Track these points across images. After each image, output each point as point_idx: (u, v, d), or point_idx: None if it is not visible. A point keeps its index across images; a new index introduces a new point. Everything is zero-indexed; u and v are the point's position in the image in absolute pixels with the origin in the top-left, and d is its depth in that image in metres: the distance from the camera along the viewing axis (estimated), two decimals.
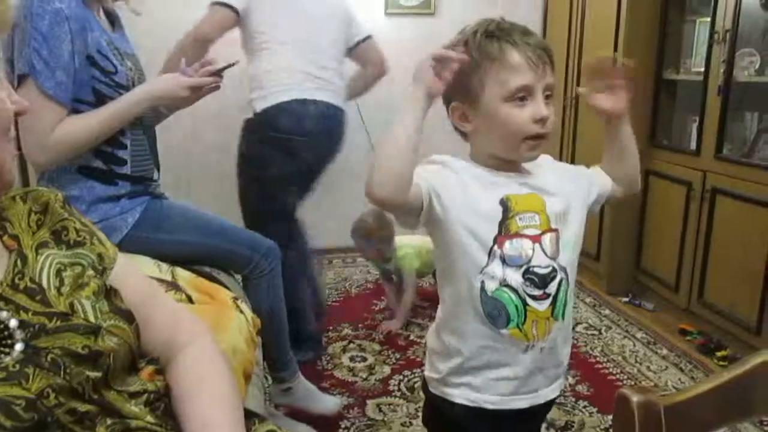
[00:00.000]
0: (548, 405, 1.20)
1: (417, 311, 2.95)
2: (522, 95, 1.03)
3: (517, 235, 1.06)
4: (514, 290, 1.06)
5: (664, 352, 2.58)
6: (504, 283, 1.06)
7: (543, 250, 1.07)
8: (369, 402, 2.18)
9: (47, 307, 0.77)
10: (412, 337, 2.69)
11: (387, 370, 2.42)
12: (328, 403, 2.03)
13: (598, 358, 2.52)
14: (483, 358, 1.11)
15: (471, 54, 1.04)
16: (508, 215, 1.06)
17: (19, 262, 0.79)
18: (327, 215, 3.82)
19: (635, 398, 0.53)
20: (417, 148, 1.03)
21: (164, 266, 1.53)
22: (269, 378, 1.97)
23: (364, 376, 2.36)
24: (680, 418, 0.53)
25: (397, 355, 2.53)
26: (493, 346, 1.09)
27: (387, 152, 1.03)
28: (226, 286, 1.64)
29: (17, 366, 0.72)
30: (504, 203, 1.06)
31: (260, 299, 1.78)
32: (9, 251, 0.80)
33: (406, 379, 2.34)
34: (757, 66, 2.55)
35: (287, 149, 2.23)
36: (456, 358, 1.13)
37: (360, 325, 2.82)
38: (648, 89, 3.00)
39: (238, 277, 1.83)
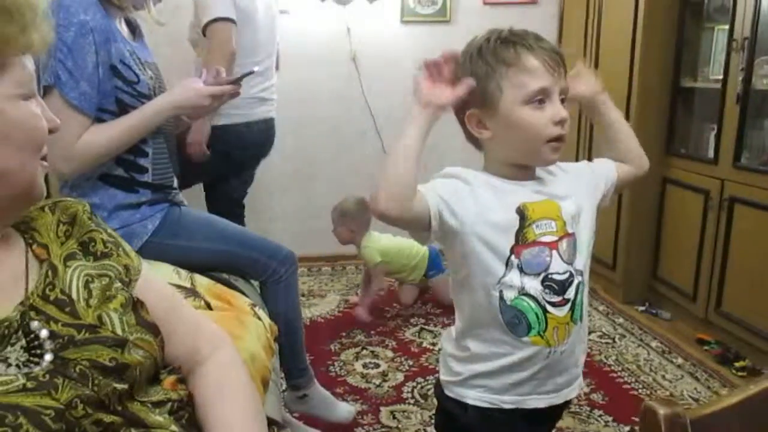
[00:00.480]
0: (565, 405, 1.20)
1: (429, 318, 2.95)
2: (540, 98, 1.04)
3: (535, 243, 1.07)
4: (534, 298, 1.07)
5: (680, 361, 2.56)
6: (523, 292, 1.07)
7: (560, 256, 1.08)
8: (383, 409, 2.18)
9: (76, 319, 0.78)
10: (425, 344, 2.69)
11: (400, 376, 2.41)
12: (343, 410, 2.03)
13: (612, 367, 2.50)
14: (504, 363, 1.11)
15: (486, 60, 1.05)
16: (525, 224, 1.07)
17: (50, 273, 0.80)
18: None
19: (662, 411, 0.53)
20: (418, 162, 1.05)
21: (183, 273, 1.54)
22: (284, 384, 1.98)
23: (378, 383, 2.36)
24: (707, 431, 0.53)
25: (410, 362, 2.53)
26: (514, 353, 1.10)
27: (390, 166, 1.05)
28: (243, 293, 1.65)
29: (47, 376, 0.73)
30: (521, 212, 1.07)
31: (277, 306, 1.79)
32: (39, 261, 0.81)
33: (419, 386, 2.34)
34: None
35: (228, 159, 2.56)
36: (477, 364, 1.13)
37: (372, 332, 2.82)
38: (665, 97, 2.99)
39: (256, 283, 1.84)
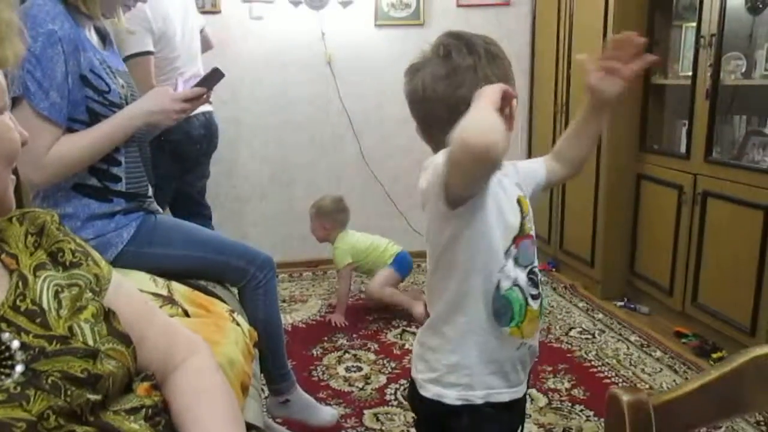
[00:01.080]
0: (524, 399, 1.23)
1: (411, 320, 2.96)
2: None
3: (528, 236, 1.12)
4: (521, 289, 1.11)
5: (659, 354, 2.59)
6: (515, 283, 1.11)
7: (536, 251, 1.15)
8: (366, 412, 2.19)
9: (47, 330, 0.77)
10: (407, 346, 2.70)
11: (383, 379, 2.42)
12: (326, 414, 2.03)
13: (593, 362, 2.53)
14: (479, 354, 1.12)
15: (473, 66, 1.10)
16: (523, 215, 1.12)
17: (20, 283, 0.79)
18: None
19: (626, 398, 0.54)
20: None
21: (160, 281, 1.54)
22: (266, 390, 1.97)
23: (360, 386, 2.36)
24: (670, 416, 0.55)
25: (393, 364, 2.54)
26: (492, 343, 1.11)
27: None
28: (222, 299, 1.65)
29: (18, 388, 0.72)
30: (519, 203, 1.12)
31: (256, 311, 1.79)
32: (9, 271, 0.81)
33: (402, 387, 2.34)
34: (743, 69, 2.58)
35: (178, 154, 2.61)
36: (454, 355, 1.13)
37: (355, 336, 2.82)
38: (637, 95, 3.03)
39: (234, 289, 1.83)
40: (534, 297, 1.13)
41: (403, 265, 3.14)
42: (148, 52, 2.48)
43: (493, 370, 1.13)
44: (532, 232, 1.14)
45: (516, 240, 1.10)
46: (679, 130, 2.93)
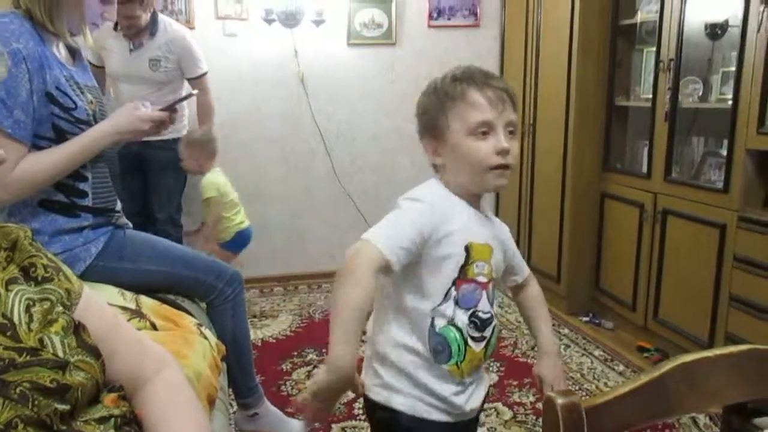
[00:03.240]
0: (477, 416, 1.28)
1: None
2: (484, 130, 1.13)
3: (473, 280, 1.16)
4: (459, 330, 1.15)
5: (621, 368, 2.66)
6: (451, 322, 1.15)
7: (487, 297, 1.19)
8: (334, 426, 2.20)
9: (17, 343, 0.79)
10: None
11: (351, 393, 2.43)
12: (295, 427, 2.04)
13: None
14: (420, 379, 1.16)
15: (438, 95, 1.17)
16: (469, 261, 1.15)
17: None
18: (291, 242, 3.86)
19: (559, 401, 0.59)
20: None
21: (128, 294, 1.55)
22: (234, 405, 1.98)
23: None
24: (601, 417, 0.59)
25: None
26: (431, 379, 1.16)
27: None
28: (190, 313, 1.66)
29: None
30: (468, 249, 1.15)
31: (224, 325, 1.81)
32: None
33: None
34: (700, 93, 2.68)
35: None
36: (398, 377, 1.17)
37: (324, 350, 2.81)
38: (601, 116, 3.13)
39: (203, 304, 1.85)
40: (476, 339, 1.16)
41: (240, 243, 3.21)
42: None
43: (431, 402, 1.17)
44: (481, 279, 1.16)
45: (457, 282, 1.14)
46: (640, 150, 3.02)
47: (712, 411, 2.13)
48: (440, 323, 1.14)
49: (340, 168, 3.84)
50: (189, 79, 3.15)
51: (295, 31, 3.58)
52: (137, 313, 1.50)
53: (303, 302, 3.51)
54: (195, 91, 1.82)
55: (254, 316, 3.25)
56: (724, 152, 2.45)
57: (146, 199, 3.23)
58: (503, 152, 1.12)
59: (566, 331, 3.08)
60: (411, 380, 1.16)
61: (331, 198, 3.86)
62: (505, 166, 1.14)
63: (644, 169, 2.88)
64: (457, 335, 1.15)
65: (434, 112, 1.16)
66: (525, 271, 1.36)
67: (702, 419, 2.20)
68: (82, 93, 1.57)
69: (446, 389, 1.17)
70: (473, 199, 1.21)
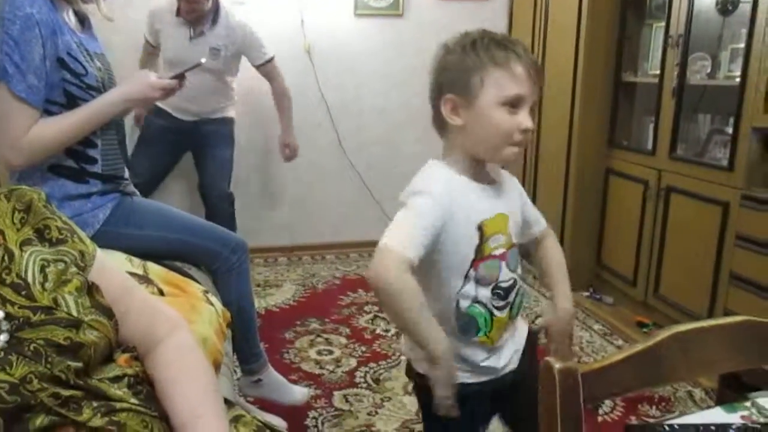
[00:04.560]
0: (511, 384, 1.27)
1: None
2: (514, 103, 1.10)
3: (490, 257, 1.16)
4: (484, 305, 1.17)
5: (620, 342, 2.69)
6: (476, 300, 1.17)
7: (507, 266, 1.19)
8: (336, 393, 2.25)
9: (32, 302, 0.81)
10: (378, 331, 2.76)
11: (353, 362, 2.48)
12: (297, 393, 2.09)
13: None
14: (455, 357, 1.17)
15: (478, 54, 1.11)
16: (483, 239, 1.15)
17: (6, 257, 0.83)
18: (296, 213, 3.88)
19: (557, 365, 0.61)
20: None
21: (136, 260, 1.57)
22: (239, 371, 2.02)
23: (331, 369, 2.43)
24: (597, 382, 0.61)
25: (363, 348, 2.60)
26: (462, 349, 1.19)
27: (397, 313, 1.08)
28: (196, 280, 1.69)
29: (1, 354, 0.77)
30: (480, 228, 1.15)
31: (229, 293, 1.84)
32: None
33: (372, 370, 2.41)
34: (708, 70, 2.67)
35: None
36: None
37: (327, 320, 2.88)
38: (607, 91, 3.11)
39: (209, 272, 1.87)
40: (499, 308, 1.19)
41: None
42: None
43: (466, 369, 1.20)
44: (498, 251, 1.16)
45: (474, 263, 1.15)
46: (646, 126, 3.01)
47: (705, 380, 2.16)
48: (465, 304, 1.17)
49: (346, 140, 3.84)
50: (257, 66, 3.13)
51: (302, 1, 3.55)
52: (145, 279, 1.52)
53: (306, 273, 3.55)
54: (203, 60, 1.82)
55: (258, 286, 3.29)
56: (730, 130, 2.45)
57: (201, 176, 3.24)
58: (526, 131, 1.12)
59: None
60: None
61: (337, 170, 3.87)
62: (523, 143, 1.13)
63: (649, 145, 2.88)
64: (482, 310, 1.17)
65: (470, 71, 1.11)
66: (542, 223, 1.34)
67: (698, 393, 2.23)
68: (92, 60, 1.59)
69: (478, 356, 1.20)
70: (478, 169, 1.19)
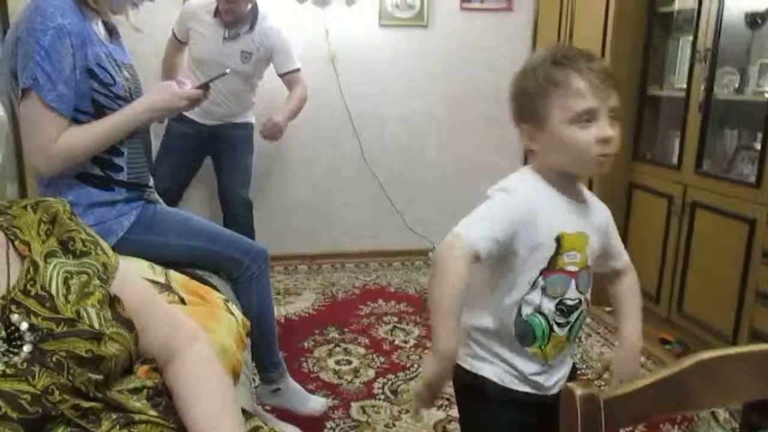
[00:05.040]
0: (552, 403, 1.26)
1: (402, 317, 3.02)
2: (587, 118, 1.09)
3: (561, 270, 1.16)
4: (545, 316, 1.17)
5: (642, 360, 2.65)
6: (538, 310, 1.16)
7: (576, 286, 1.18)
8: (353, 404, 2.24)
9: (55, 314, 0.83)
10: (397, 342, 2.76)
11: (371, 373, 2.48)
12: (315, 404, 2.09)
13: (577, 365, 2.57)
14: (506, 362, 1.20)
15: (538, 80, 1.12)
16: (559, 251, 1.15)
17: (31, 269, 0.85)
18: (316, 221, 3.90)
19: (579, 391, 0.60)
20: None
21: (158, 268, 1.59)
22: (257, 379, 2.03)
23: (349, 379, 2.42)
24: (619, 409, 0.60)
25: (382, 359, 2.59)
26: (515, 358, 1.19)
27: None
28: (217, 289, 1.70)
29: (25, 364, 0.78)
30: (558, 240, 1.14)
31: (249, 301, 1.85)
32: (22, 257, 0.86)
33: (390, 382, 2.40)
34: (736, 85, 2.63)
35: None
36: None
37: (346, 330, 2.88)
38: (633, 104, 3.08)
39: (229, 280, 1.88)
40: (561, 325, 1.18)
41: None
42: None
43: (517, 376, 1.20)
44: (571, 268, 1.16)
45: (543, 273, 1.14)
46: (672, 141, 2.98)
47: (732, 407, 2.12)
48: (527, 311, 1.16)
49: (368, 149, 3.85)
50: (281, 74, 3.14)
51: (327, 10, 3.58)
52: (166, 287, 1.54)
53: (326, 281, 3.55)
54: (228, 70, 1.84)
55: (278, 293, 3.30)
56: (758, 146, 2.41)
57: (220, 181, 3.25)
58: (606, 141, 1.09)
59: (588, 320, 3.07)
60: (497, 357, 1.20)
61: (358, 179, 3.88)
62: (606, 154, 1.11)
63: (675, 160, 2.84)
64: (543, 321, 1.17)
65: (533, 98, 1.12)
66: (623, 258, 1.32)
67: (722, 414, 2.19)
68: (120, 70, 1.61)
69: (530, 368, 1.19)
70: (568, 184, 1.19)
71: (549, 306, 1.16)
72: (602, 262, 1.28)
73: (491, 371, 1.20)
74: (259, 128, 3.15)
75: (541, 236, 1.13)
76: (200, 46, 3.03)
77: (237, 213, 3.19)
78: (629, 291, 1.32)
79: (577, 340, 1.24)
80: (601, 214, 1.26)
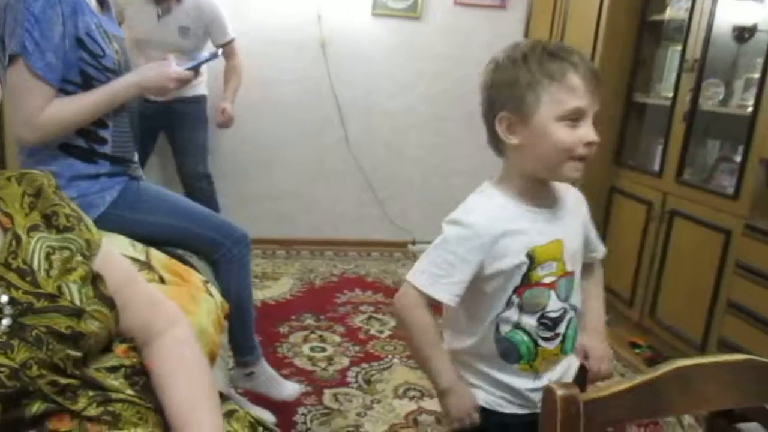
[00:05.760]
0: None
1: (378, 307, 3.03)
2: (575, 117, 1.05)
3: (537, 284, 1.12)
4: (527, 333, 1.14)
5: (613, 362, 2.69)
6: (517, 326, 1.13)
7: (557, 295, 1.14)
8: (326, 391, 2.25)
9: (36, 288, 0.82)
10: (372, 332, 2.77)
11: (345, 361, 2.49)
12: (289, 389, 2.09)
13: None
14: (493, 378, 1.18)
15: (531, 69, 1.05)
16: (532, 266, 1.11)
17: (13, 242, 0.83)
18: (297, 206, 3.89)
19: (559, 392, 0.61)
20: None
21: (139, 246, 1.58)
22: (231, 361, 2.02)
23: (323, 366, 2.43)
24: (597, 411, 0.61)
25: (357, 348, 2.60)
26: (502, 375, 1.17)
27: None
28: (197, 269, 1.69)
29: (4, 337, 0.77)
30: (530, 256, 1.11)
31: (229, 284, 1.84)
32: (4, 230, 0.85)
33: (363, 371, 2.42)
34: (721, 97, 2.67)
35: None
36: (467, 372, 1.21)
37: (322, 317, 2.88)
38: (618, 110, 3.11)
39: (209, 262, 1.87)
40: (548, 339, 1.14)
41: None
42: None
43: (509, 399, 1.19)
44: (547, 280, 1.12)
45: (518, 290, 1.11)
46: (654, 148, 3.01)
47: (700, 413, 2.17)
48: (505, 329, 1.13)
49: (353, 138, 3.84)
50: (217, 46, 3.09)
51: None
52: (146, 265, 1.52)
53: (304, 267, 3.55)
54: (220, 51, 1.83)
55: (255, 277, 3.29)
56: (739, 158, 2.45)
57: (177, 159, 3.23)
58: (590, 144, 1.05)
59: None
60: (484, 377, 1.18)
61: (341, 167, 3.87)
62: (585, 158, 1.07)
63: (656, 167, 2.88)
64: (525, 337, 1.13)
65: (523, 87, 1.05)
66: (600, 248, 1.30)
67: (687, 419, 2.24)
68: (110, 42, 1.59)
69: (522, 384, 1.17)
70: (537, 190, 1.14)
71: (529, 321, 1.12)
72: (586, 254, 1.24)
73: (484, 398, 1.18)
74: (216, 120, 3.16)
75: (510, 257, 1.10)
76: (137, 27, 2.98)
77: (198, 188, 3.19)
78: (597, 277, 1.32)
79: (571, 350, 1.21)
80: (575, 210, 1.20)
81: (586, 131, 1.05)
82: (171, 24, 2.95)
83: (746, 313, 2.27)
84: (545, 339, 1.14)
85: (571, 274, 1.16)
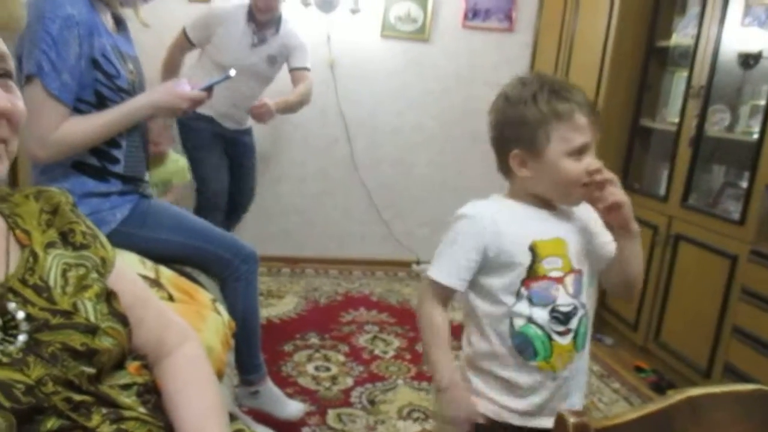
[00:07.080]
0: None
1: (383, 327, 3.03)
2: (581, 151, 1.15)
3: (544, 278, 1.18)
4: (540, 327, 1.18)
5: (617, 386, 2.68)
6: (531, 320, 1.17)
7: (566, 290, 1.19)
8: (330, 411, 2.25)
9: (52, 305, 0.83)
10: (376, 352, 2.76)
11: (350, 381, 2.48)
12: (293, 408, 2.09)
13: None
14: (511, 383, 1.20)
15: (540, 109, 1.15)
16: (536, 260, 1.18)
17: (31, 259, 0.85)
18: (302, 224, 3.90)
19: (572, 420, 0.62)
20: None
21: (148, 263, 1.59)
22: (236, 379, 2.02)
23: (327, 386, 2.43)
24: None
25: (361, 368, 2.60)
26: (521, 375, 1.19)
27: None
28: (204, 287, 1.70)
29: (20, 354, 0.78)
30: (532, 249, 1.18)
31: (236, 302, 1.85)
32: (22, 246, 0.86)
33: (368, 391, 2.41)
34: (727, 123, 2.68)
35: None
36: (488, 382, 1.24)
37: (326, 336, 2.88)
38: (624, 135, 3.13)
39: (217, 280, 1.88)
40: (561, 333, 1.18)
41: None
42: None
43: (531, 402, 1.20)
44: (555, 274, 1.17)
45: (525, 282, 1.17)
46: (660, 172, 3.03)
47: None
48: (519, 323, 1.18)
49: (359, 157, 3.87)
50: (293, 69, 3.10)
51: (331, 17, 3.59)
52: (155, 283, 1.53)
53: (309, 285, 3.55)
54: (232, 72, 1.84)
55: (260, 295, 3.28)
56: (744, 184, 2.46)
57: (237, 187, 3.22)
58: (595, 172, 1.14)
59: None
60: (498, 383, 1.21)
61: (347, 185, 3.89)
62: (591, 183, 1.15)
63: (662, 191, 2.89)
64: (539, 332, 1.17)
65: (533, 126, 1.16)
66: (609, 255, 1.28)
67: None
68: (125, 62, 1.62)
69: (534, 379, 1.19)
70: (544, 203, 1.22)
71: (542, 315, 1.17)
72: (600, 261, 1.25)
73: (485, 407, 1.21)
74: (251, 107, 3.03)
75: (513, 248, 1.17)
76: (227, 52, 2.91)
77: (240, 216, 3.33)
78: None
79: (583, 347, 1.23)
80: (580, 215, 1.25)
81: (590, 161, 1.16)
82: (262, 53, 2.96)
83: (752, 339, 2.27)
84: (558, 333, 1.18)
85: (579, 272, 1.21)
